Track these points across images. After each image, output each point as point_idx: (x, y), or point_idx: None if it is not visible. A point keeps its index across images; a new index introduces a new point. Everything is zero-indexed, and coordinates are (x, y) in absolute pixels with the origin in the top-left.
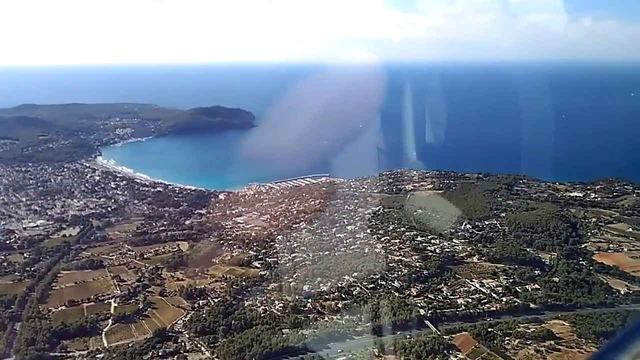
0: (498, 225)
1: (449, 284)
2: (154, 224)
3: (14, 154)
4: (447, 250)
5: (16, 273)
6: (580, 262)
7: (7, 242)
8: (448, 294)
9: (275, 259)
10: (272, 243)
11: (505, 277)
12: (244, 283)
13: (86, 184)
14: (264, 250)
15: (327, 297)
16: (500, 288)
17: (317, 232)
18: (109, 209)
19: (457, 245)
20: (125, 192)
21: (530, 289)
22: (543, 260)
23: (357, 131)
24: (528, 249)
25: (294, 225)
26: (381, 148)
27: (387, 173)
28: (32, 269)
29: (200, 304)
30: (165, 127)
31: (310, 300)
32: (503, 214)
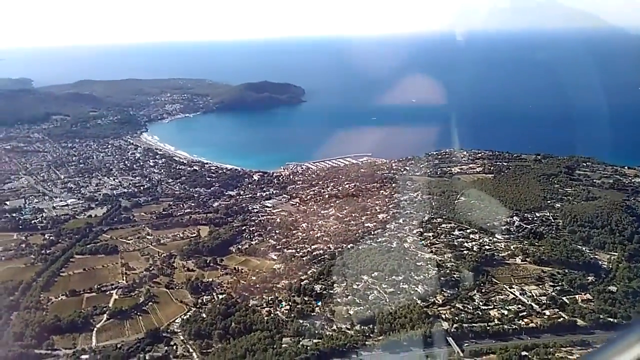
0: (551, 217)
1: (483, 290)
2: (181, 205)
3: (64, 129)
4: (487, 247)
5: (32, 256)
6: None
7: (33, 222)
8: (480, 303)
9: (294, 251)
10: (295, 231)
11: (551, 283)
12: (253, 278)
13: (126, 162)
14: (284, 240)
15: (339, 300)
16: (544, 298)
17: (344, 220)
18: (142, 188)
19: (500, 242)
20: (162, 171)
21: (580, 301)
22: (600, 262)
23: (409, 107)
24: (583, 248)
25: (322, 212)
26: (432, 125)
27: (435, 153)
28: (48, 252)
29: (204, 300)
30: (214, 102)
31: (320, 303)
32: (558, 204)
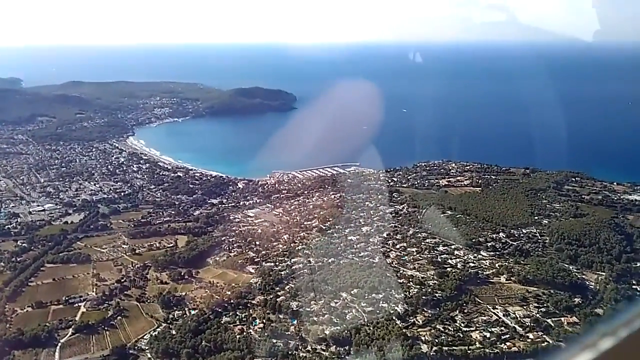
0: (538, 234)
1: (465, 310)
2: (161, 213)
3: (49, 131)
4: (471, 265)
5: (1, 263)
6: (634, 287)
7: (7, 227)
8: (462, 324)
9: (273, 264)
10: (275, 243)
11: (536, 304)
12: (228, 293)
13: (109, 166)
14: (263, 252)
15: (315, 319)
16: (528, 320)
17: (327, 233)
18: (122, 194)
19: (485, 260)
20: (145, 177)
21: (566, 323)
22: (587, 282)
23: (399, 116)
24: (570, 267)
25: (305, 223)
26: (421, 135)
27: (423, 164)
28: (19, 259)
29: (175, 315)
30: (204, 107)
31: (295, 321)
32: (546, 221)
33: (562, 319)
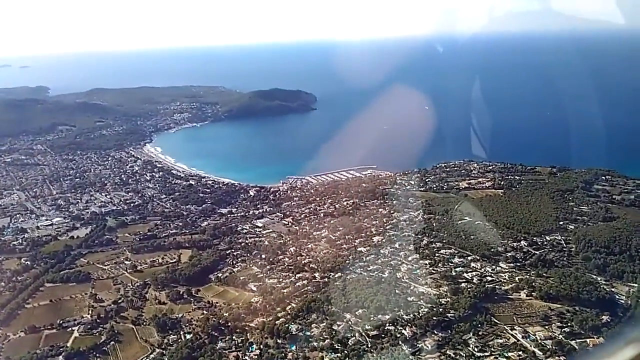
0: (563, 242)
1: (480, 332)
2: (168, 224)
3: (67, 141)
4: (488, 279)
5: (2, 283)
6: None
7: (12, 243)
8: (475, 349)
9: (276, 281)
10: (281, 257)
11: (559, 324)
12: (226, 314)
13: (122, 176)
14: (268, 267)
15: (315, 344)
16: (550, 342)
17: (336, 243)
18: (132, 205)
19: (503, 272)
20: (156, 186)
21: (591, 346)
22: (617, 296)
23: (421, 114)
24: (598, 279)
25: (314, 233)
26: (443, 134)
27: (443, 165)
28: (20, 278)
29: (170, 340)
30: (223, 111)
31: (294, 347)
32: (572, 226)
33: (588, 340)
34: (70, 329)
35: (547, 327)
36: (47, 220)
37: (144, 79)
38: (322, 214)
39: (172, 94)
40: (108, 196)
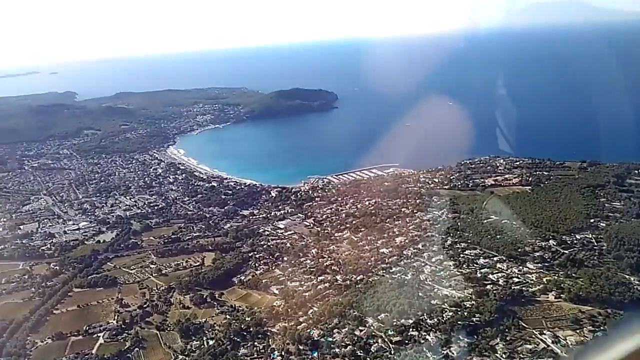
0: (594, 240)
1: (507, 337)
2: (191, 227)
3: (92, 145)
4: (515, 280)
5: (32, 289)
6: None
7: (41, 249)
8: (503, 355)
9: (298, 284)
10: (303, 259)
11: (591, 327)
12: (248, 319)
13: (146, 179)
14: (290, 269)
15: (337, 351)
16: (582, 347)
17: (358, 245)
18: (156, 208)
19: (531, 273)
20: (179, 188)
21: None
22: None
23: (444, 110)
24: (632, 279)
25: (336, 234)
26: (468, 130)
27: (468, 162)
28: (48, 284)
29: (193, 346)
30: (244, 112)
31: (316, 354)
32: (603, 223)
33: None
34: (96, 335)
35: (578, 331)
36: (74, 224)
37: (167, 82)
38: (343, 214)
39: (195, 96)
40: (132, 199)
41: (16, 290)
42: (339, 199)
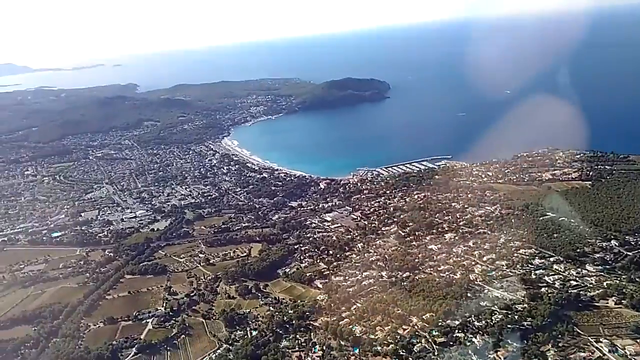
0: None
1: (560, 344)
2: (241, 217)
3: (152, 135)
4: (572, 283)
5: (87, 274)
6: None
7: (98, 235)
8: None
9: (342, 278)
10: (349, 253)
11: None
12: (291, 312)
13: (201, 169)
14: (335, 263)
15: (379, 349)
16: None
17: (406, 241)
18: (209, 198)
19: (590, 276)
20: (232, 179)
21: None
22: None
23: (502, 98)
24: None
25: (383, 228)
26: (527, 120)
27: (525, 154)
28: (102, 270)
29: (237, 335)
30: (296, 103)
31: (357, 350)
32: None
33: None
34: (145, 321)
35: (639, 340)
36: (131, 212)
37: (223, 73)
38: (391, 208)
39: (249, 88)
40: (188, 189)
41: (72, 275)
42: (387, 192)
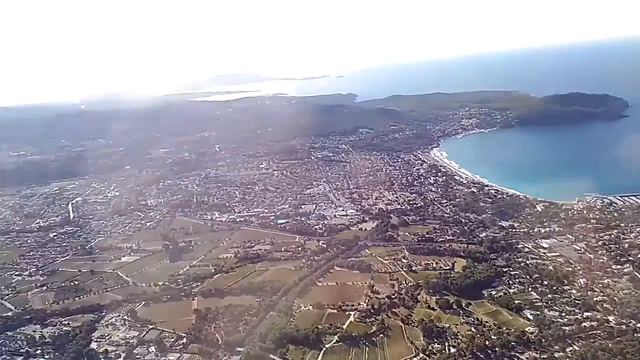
0: None
1: None
2: (446, 230)
3: (365, 142)
4: None
5: (303, 260)
6: None
7: (314, 227)
8: None
9: (557, 314)
10: (568, 287)
11: None
12: (494, 338)
13: (408, 177)
14: (549, 295)
15: None
16: None
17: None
18: (414, 206)
19: None
20: (438, 190)
21: None
22: None
23: None
24: None
25: (614, 267)
26: None
27: None
28: (316, 258)
29: (434, 348)
30: (513, 117)
31: None
32: None
33: None
34: (348, 312)
35: None
36: (342, 210)
37: (438, 85)
38: (626, 244)
39: (463, 100)
40: (394, 195)
41: (291, 259)
42: (622, 224)
